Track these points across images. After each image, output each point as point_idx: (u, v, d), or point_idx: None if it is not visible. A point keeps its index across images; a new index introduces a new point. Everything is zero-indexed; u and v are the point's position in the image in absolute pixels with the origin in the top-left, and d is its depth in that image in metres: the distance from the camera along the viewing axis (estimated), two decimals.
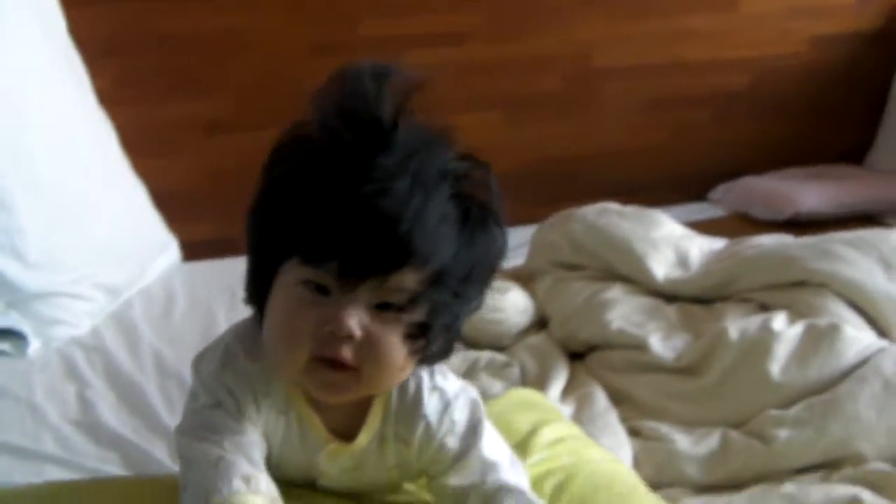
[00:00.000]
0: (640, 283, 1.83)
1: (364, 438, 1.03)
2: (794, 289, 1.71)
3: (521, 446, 1.22)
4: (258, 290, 0.97)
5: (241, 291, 1.02)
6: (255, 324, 1.01)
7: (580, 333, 1.74)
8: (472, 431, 1.04)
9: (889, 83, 2.92)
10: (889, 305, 1.64)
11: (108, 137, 2.11)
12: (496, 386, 1.56)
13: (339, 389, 0.95)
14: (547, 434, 1.26)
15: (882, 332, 1.63)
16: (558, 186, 2.63)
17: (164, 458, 1.43)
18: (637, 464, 1.41)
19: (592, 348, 1.73)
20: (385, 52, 2.18)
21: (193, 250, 2.23)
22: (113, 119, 2.13)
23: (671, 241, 1.90)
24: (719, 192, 2.75)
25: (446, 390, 1.04)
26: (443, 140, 0.95)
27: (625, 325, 1.70)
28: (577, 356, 1.73)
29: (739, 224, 2.51)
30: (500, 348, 1.74)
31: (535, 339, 1.76)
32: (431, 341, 0.95)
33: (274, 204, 0.94)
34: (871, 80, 2.93)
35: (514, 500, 1.02)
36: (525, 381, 1.62)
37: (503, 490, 1.02)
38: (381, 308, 0.92)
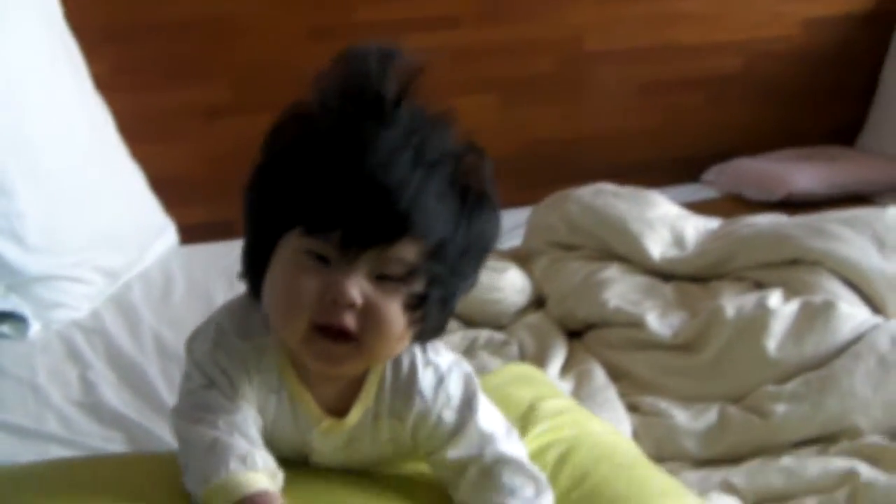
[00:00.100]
0: (636, 262, 1.84)
1: (356, 415, 1.04)
2: (790, 267, 1.72)
3: (525, 418, 1.22)
4: (256, 264, 0.98)
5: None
6: (247, 302, 1.02)
7: (578, 312, 1.75)
8: (468, 404, 1.04)
9: (880, 65, 2.93)
10: (883, 283, 1.66)
11: (105, 123, 2.12)
12: (495, 363, 1.57)
13: (338, 361, 0.96)
14: (549, 406, 1.27)
15: (876, 308, 1.64)
16: (553, 168, 2.64)
17: (166, 436, 1.42)
18: (636, 438, 1.42)
19: (590, 327, 1.74)
20: (381, 36, 2.18)
21: (190, 234, 2.24)
22: (110, 105, 2.13)
23: (667, 221, 1.91)
24: (712, 173, 2.75)
25: (440, 365, 1.04)
26: (444, 121, 0.96)
27: (622, 304, 1.71)
28: (574, 334, 1.75)
29: (733, 205, 2.53)
30: (498, 327, 1.76)
31: (533, 317, 1.77)
32: (427, 314, 0.96)
33: (276, 176, 0.95)
34: (863, 62, 2.95)
35: (513, 470, 1.03)
36: (524, 358, 1.64)
37: (501, 461, 1.03)
38: (381, 279, 0.93)
